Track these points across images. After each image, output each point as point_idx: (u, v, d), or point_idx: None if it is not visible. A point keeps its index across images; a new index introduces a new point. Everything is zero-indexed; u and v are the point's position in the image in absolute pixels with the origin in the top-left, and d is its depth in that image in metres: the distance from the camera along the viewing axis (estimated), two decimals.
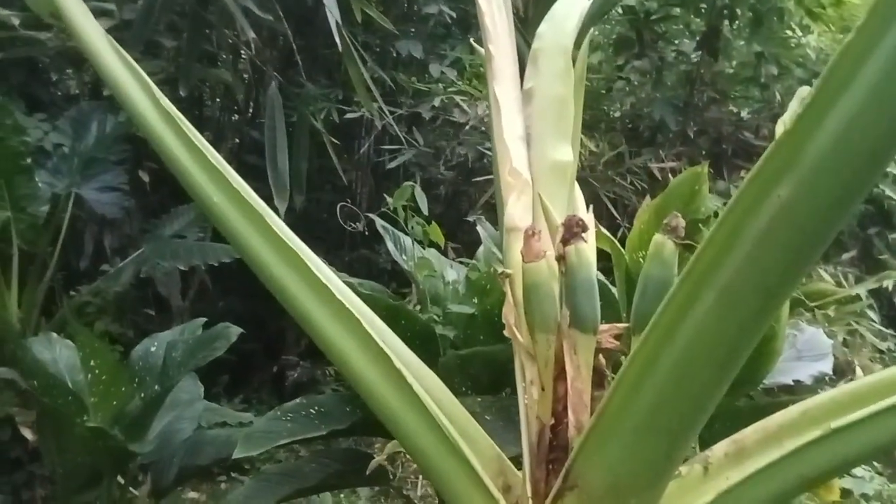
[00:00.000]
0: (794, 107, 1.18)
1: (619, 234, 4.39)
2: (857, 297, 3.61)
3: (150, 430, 1.77)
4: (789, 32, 5.38)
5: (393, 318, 1.66)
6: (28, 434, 2.45)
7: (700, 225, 1.44)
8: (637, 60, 4.95)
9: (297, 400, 1.59)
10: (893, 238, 4.58)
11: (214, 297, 4.03)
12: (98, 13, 2.95)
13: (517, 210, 0.71)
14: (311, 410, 1.57)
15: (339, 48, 2.44)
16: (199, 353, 1.79)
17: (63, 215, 3.38)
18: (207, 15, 2.32)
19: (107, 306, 3.26)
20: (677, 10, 4.83)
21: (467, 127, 4.55)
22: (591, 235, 0.80)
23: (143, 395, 1.80)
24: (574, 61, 0.78)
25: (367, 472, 1.42)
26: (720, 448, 0.74)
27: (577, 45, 0.79)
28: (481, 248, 2.28)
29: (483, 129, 4.72)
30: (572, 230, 0.66)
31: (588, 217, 0.78)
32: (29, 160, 3.15)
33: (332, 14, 2.34)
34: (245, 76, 3.59)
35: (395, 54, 4.37)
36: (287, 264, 0.71)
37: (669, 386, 0.59)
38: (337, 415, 1.57)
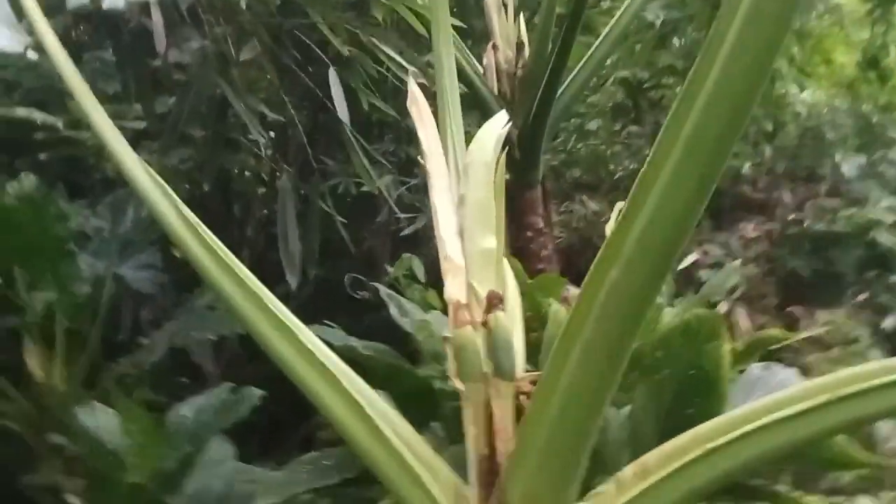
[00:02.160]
0: (615, 216, 1.44)
1: None
2: (856, 340, 3.75)
3: (185, 486, 1.98)
4: (782, 91, 5.63)
5: (394, 374, 1.88)
6: (75, 501, 2.66)
7: None
8: (633, 126, 5.23)
9: (313, 453, 1.80)
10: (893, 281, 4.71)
11: (245, 361, 4.27)
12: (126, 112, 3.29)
13: (453, 288, 0.94)
14: (325, 462, 1.78)
15: (348, 138, 2.72)
16: (225, 415, 2.01)
17: (103, 293, 3.66)
18: (230, 110, 2.63)
19: (144, 376, 3.50)
20: (669, 80, 5.12)
21: None
22: (515, 302, 1.03)
23: (176, 455, 2.02)
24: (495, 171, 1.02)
25: None
26: (629, 469, 0.94)
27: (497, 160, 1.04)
28: None
29: None
30: (492, 303, 0.89)
31: (512, 288, 1.01)
32: (72, 245, 3.45)
33: (341, 109, 2.62)
34: (265, 158, 3.90)
35: (409, 128, 4.69)
36: (283, 337, 0.94)
37: (557, 419, 0.81)
38: (347, 464, 1.77)
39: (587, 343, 0.76)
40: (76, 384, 3.39)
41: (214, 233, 1.12)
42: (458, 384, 0.94)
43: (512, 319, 1.01)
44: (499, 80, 2.96)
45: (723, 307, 4.72)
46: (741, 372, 1.91)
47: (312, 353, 0.94)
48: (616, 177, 5.54)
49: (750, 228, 5.15)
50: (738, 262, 2.74)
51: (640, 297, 0.74)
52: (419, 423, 1.10)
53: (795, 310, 4.64)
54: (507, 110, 2.88)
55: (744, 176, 5.47)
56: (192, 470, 2.05)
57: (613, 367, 0.77)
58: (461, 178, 1.03)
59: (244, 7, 2.34)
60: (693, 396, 1.52)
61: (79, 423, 2.00)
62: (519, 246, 2.75)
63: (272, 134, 2.79)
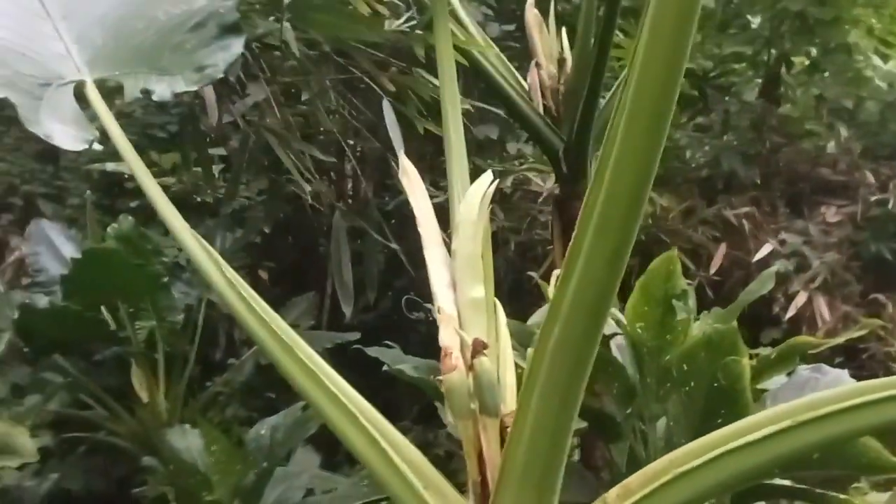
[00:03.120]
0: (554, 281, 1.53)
1: (696, 283, 4.55)
2: None
3: (264, 499, 2.19)
4: (861, 65, 5.40)
5: (441, 393, 2.01)
6: None
7: (675, 300, 1.72)
8: (701, 116, 5.16)
9: None
10: None
11: None
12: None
13: (446, 335, 1.07)
14: None
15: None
16: (297, 432, 2.21)
17: (197, 318, 3.99)
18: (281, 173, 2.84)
19: (235, 393, 3.79)
20: (734, 66, 5.04)
21: (539, 199, 4.91)
22: (505, 343, 1.15)
23: (254, 471, 2.23)
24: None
25: None
26: (613, 492, 1.05)
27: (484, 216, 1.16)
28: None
29: None
30: (477, 349, 1.01)
31: (503, 331, 1.12)
32: (167, 278, 3.77)
33: (395, 139, 2.77)
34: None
35: (473, 138, 4.82)
36: (309, 380, 1.09)
37: (529, 447, 0.92)
38: None
39: (543, 386, 0.87)
40: (177, 403, 3.72)
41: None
42: (451, 420, 1.06)
43: (503, 360, 1.13)
44: (543, 96, 3.04)
45: (801, 297, 4.61)
46: (789, 374, 1.94)
47: (335, 394, 1.08)
48: (689, 169, 5.47)
49: (831, 213, 4.98)
50: (775, 267, 2.71)
51: (579, 348, 0.85)
52: None
53: (880, 297, 4.47)
54: (553, 126, 2.98)
55: (823, 157, 5.30)
56: (272, 481, 2.26)
57: (568, 404, 0.88)
58: (453, 233, 1.15)
59: (297, 56, 2.52)
60: (720, 407, 1.59)
61: (170, 446, 2.24)
62: None
63: (311, 186, 2.98)
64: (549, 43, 3.08)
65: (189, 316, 3.95)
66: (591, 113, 2.81)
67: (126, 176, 3.64)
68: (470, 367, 1.04)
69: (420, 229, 1.17)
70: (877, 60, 5.52)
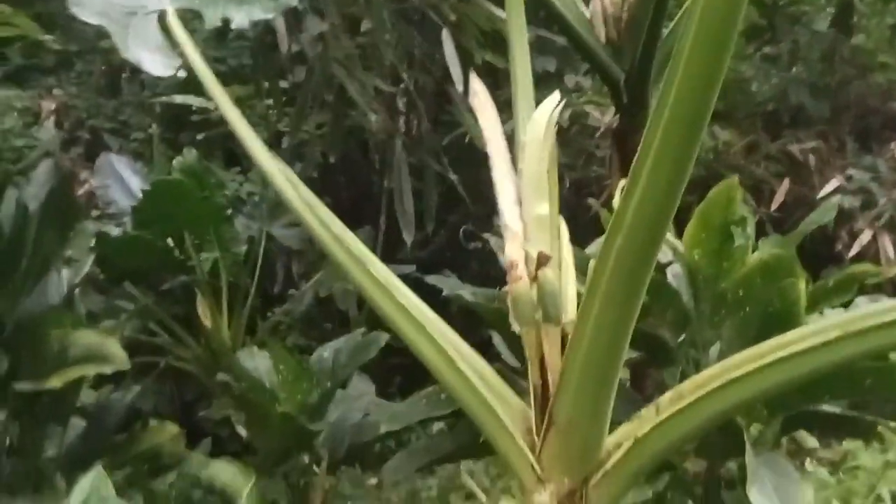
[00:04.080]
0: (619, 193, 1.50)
1: (757, 219, 4.46)
2: None
3: (326, 416, 2.31)
4: None
5: (499, 318, 2.06)
6: (242, 430, 3.11)
7: (734, 227, 1.72)
8: (768, 46, 4.97)
9: (430, 388, 2.04)
10: None
11: None
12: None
13: (512, 249, 1.11)
14: (442, 395, 2.01)
15: (460, 93, 2.88)
16: (358, 356, 2.31)
17: (258, 250, 4.12)
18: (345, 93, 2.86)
19: (295, 323, 3.93)
20: None
21: (597, 134, 4.84)
22: (568, 259, 1.18)
23: (319, 390, 2.34)
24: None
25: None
26: (667, 395, 1.09)
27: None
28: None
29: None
30: (541, 262, 1.05)
31: (566, 247, 1.16)
32: (230, 211, 3.90)
33: (453, 67, 2.77)
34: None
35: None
36: (382, 294, 1.14)
37: (587, 354, 0.96)
38: None
39: (605, 293, 0.91)
40: (239, 331, 3.88)
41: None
42: (517, 328, 1.10)
43: (565, 273, 1.16)
44: (605, 25, 2.97)
45: (866, 235, 4.49)
46: (845, 305, 1.92)
47: (407, 308, 1.13)
48: (754, 102, 5.29)
49: None
50: (837, 198, 2.64)
51: (640, 258, 0.88)
52: (525, 360, 1.29)
53: None
54: (614, 55, 2.93)
55: (893, 92, 5.06)
56: (333, 402, 2.38)
57: (626, 315, 0.92)
58: (519, 153, 1.18)
59: None
60: (774, 331, 1.58)
61: (240, 365, 2.36)
62: None
63: (388, 95, 3.00)
64: None
65: (251, 248, 4.08)
66: (653, 43, 2.74)
67: (192, 108, 3.72)
68: (534, 279, 1.07)
69: (488, 147, 1.19)
70: None
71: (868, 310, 0.95)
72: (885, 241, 4.30)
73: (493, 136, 1.21)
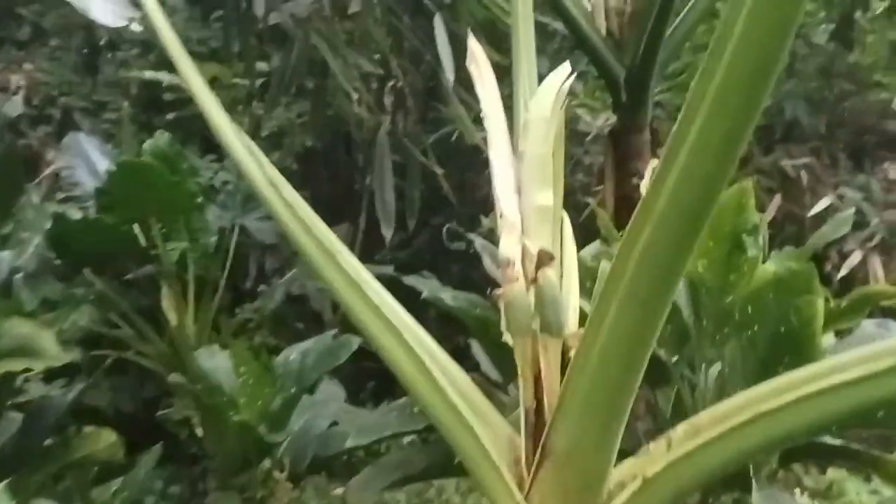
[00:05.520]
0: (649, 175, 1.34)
1: None
2: None
3: (290, 424, 2.12)
4: None
5: (482, 325, 1.89)
6: (200, 432, 2.91)
7: (745, 235, 1.56)
8: None
9: (402, 399, 1.87)
10: None
11: None
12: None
13: (507, 245, 0.93)
14: (414, 408, 1.84)
15: (450, 85, 2.70)
16: (327, 359, 2.12)
17: (230, 243, 3.92)
18: (328, 80, 2.67)
19: (264, 322, 3.73)
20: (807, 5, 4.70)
21: (588, 138, 4.69)
22: (571, 259, 1.01)
23: (283, 395, 2.15)
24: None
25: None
26: (681, 428, 0.92)
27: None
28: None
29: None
30: (543, 260, 0.88)
31: (569, 245, 0.98)
32: (201, 198, 3.69)
33: (445, 55, 2.60)
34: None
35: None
36: (353, 291, 0.97)
37: (597, 372, 0.79)
38: None
39: (623, 299, 0.74)
40: (205, 328, 3.67)
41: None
42: (508, 338, 0.93)
43: (567, 276, 0.99)
44: (608, 18, 2.81)
45: (856, 256, 4.38)
46: (849, 330, 1.78)
47: (379, 308, 0.97)
48: None
49: (895, 169, 4.70)
50: (851, 210, 2.51)
51: (673, 253, 0.71)
52: (507, 373, 1.11)
53: None
54: (615, 50, 2.77)
55: (891, 110, 4.97)
56: (300, 408, 2.19)
57: (649, 323, 0.75)
58: (521, 132, 1.01)
59: None
60: (784, 354, 1.44)
61: (198, 365, 2.17)
62: (623, 194, 2.64)
63: (374, 86, 2.83)
64: None
65: (222, 240, 3.88)
66: (657, 39, 2.59)
67: (165, 86, 3.51)
68: (532, 281, 0.90)
69: (485, 122, 1.02)
70: None
71: None
72: (876, 264, 4.20)
73: (491, 110, 1.04)
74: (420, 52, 3.19)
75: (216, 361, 2.25)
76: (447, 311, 2.03)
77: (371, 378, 4.02)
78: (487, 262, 2.26)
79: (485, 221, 2.19)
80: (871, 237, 4.44)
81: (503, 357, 1.10)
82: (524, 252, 0.93)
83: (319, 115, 2.96)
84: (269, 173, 1.12)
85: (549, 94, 1.01)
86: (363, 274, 1.04)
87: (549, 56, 4.66)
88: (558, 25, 3.34)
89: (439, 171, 3.01)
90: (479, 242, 2.29)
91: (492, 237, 2.31)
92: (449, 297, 1.92)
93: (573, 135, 5.04)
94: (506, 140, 1.02)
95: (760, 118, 0.87)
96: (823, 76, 4.79)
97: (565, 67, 1.04)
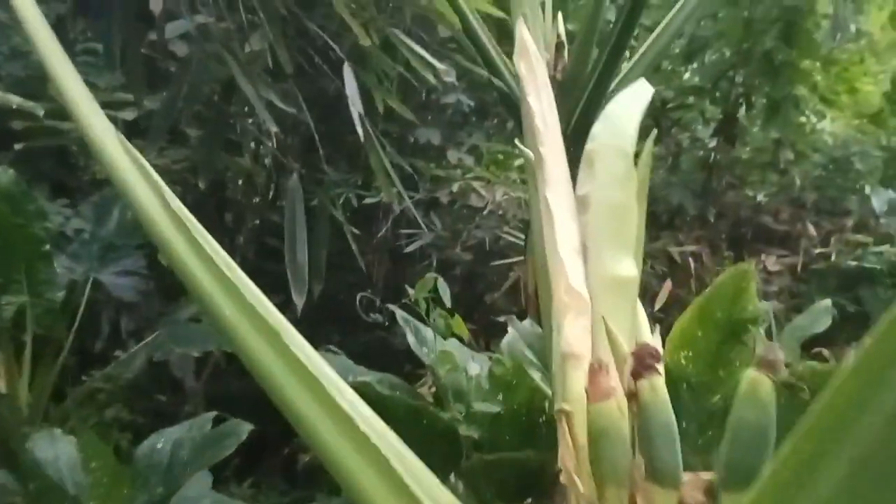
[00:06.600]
0: None
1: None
2: None
3: None
4: (804, 119, 5.42)
5: (414, 418, 1.57)
6: None
7: (748, 325, 1.36)
8: (654, 146, 4.98)
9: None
10: None
11: (229, 378, 3.94)
12: (120, 105, 2.99)
13: (575, 333, 0.63)
14: None
15: (361, 137, 2.43)
16: (207, 451, 1.69)
17: (80, 299, 3.35)
18: (230, 107, 2.33)
19: (118, 392, 3.17)
20: (691, 100, 4.89)
21: (485, 212, 4.55)
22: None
23: (146, 498, 1.69)
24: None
25: None
26: None
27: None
28: (505, 340, 2.19)
29: (500, 213, 4.73)
30: (645, 362, 0.58)
31: (656, 342, 0.70)
32: (48, 246, 3.13)
33: (355, 106, 2.34)
34: (266, 161, 3.62)
35: (413, 141, 4.42)
36: (286, 365, 0.64)
37: None
38: None
39: (865, 457, 0.43)
40: (42, 398, 3.06)
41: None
42: (579, 483, 0.62)
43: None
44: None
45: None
46: None
47: (324, 387, 0.63)
48: None
49: (771, 261, 4.87)
50: (828, 301, 2.44)
51: None
52: (440, 474, 0.80)
53: (823, 350, 4.36)
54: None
55: (764, 206, 5.23)
56: None
57: None
58: (582, 170, 0.72)
59: None
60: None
61: (32, 456, 1.66)
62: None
63: (275, 132, 2.49)
64: (543, 27, 2.71)
65: (70, 296, 3.31)
66: (596, 105, 2.44)
67: (13, 111, 2.98)
68: (632, 397, 0.61)
69: (540, 147, 0.73)
70: (813, 118, 5.57)
71: None
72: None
73: (548, 124, 0.75)
74: (323, 102, 2.91)
75: (58, 449, 1.74)
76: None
77: (235, 453, 3.50)
78: (412, 339, 1.95)
79: (411, 291, 1.88)
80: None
81: (433, 456, 0.79)
82: (615, 351, 0.63)
83: (213, 159, 2.56)
84: (175, 207, 0.76)
85: (624, 114, 0.74)
86: (303, 344, 0.71)
87: (442, 129, 4.55)
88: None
89: (354, 230, 2.68)
90: (401, 316, 1.98)
91: (416, 310, 2.00)
92: (375, 381, 1.58)
93: (464, 209, 4.90)
94: (566, 178, 0.73)
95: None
96: (704, 168, 4.97)
97: (643, 84, 0.78)
